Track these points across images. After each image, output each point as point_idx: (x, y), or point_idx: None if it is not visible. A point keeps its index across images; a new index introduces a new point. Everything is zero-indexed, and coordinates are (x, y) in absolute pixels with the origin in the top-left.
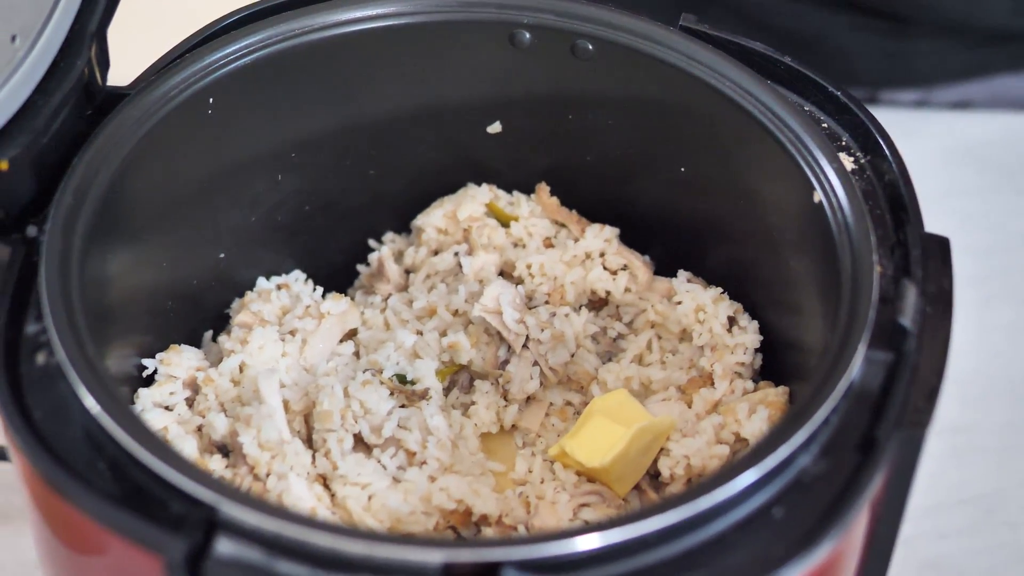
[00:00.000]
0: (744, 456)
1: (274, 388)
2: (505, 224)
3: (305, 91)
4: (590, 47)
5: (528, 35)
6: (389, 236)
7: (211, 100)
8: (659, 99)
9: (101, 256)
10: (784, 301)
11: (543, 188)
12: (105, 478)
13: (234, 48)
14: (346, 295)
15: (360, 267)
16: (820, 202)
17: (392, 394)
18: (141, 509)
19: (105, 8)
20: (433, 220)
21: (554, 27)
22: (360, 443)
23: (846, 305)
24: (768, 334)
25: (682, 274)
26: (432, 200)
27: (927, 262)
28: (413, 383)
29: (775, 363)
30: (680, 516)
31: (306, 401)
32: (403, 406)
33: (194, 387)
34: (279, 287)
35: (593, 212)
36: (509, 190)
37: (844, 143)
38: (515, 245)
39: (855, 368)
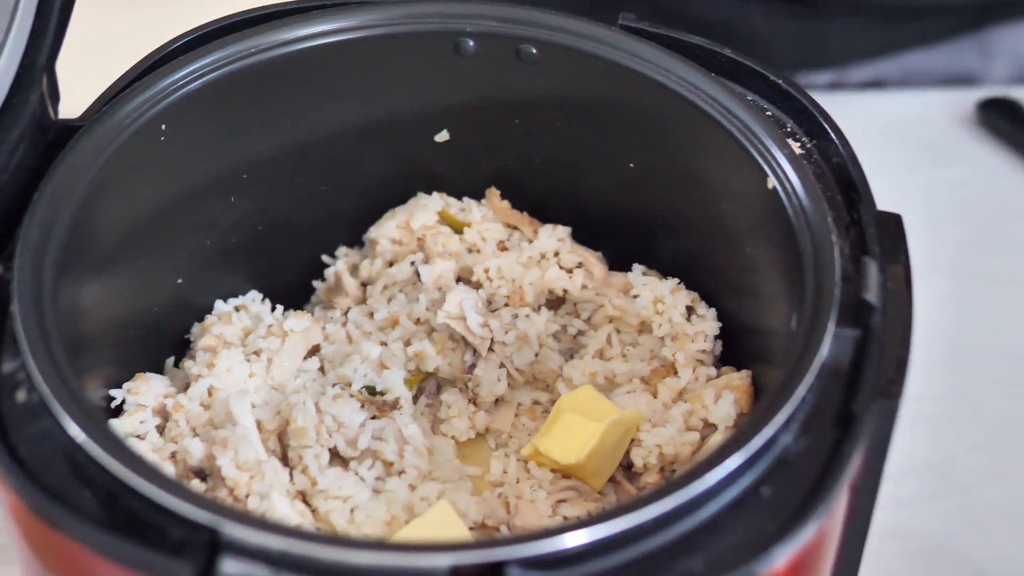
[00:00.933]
0: (730, 439)
1: (246, 409)
2: (458, 231)
3: (254, 112)
4: (534, 51)
5: (472, 43)
6: (343, 250)
7: (163, 127)
8: (605, 97)
9: (70, 290)
10: (741, 287)
11: (493, 192)
12: (99, 509)
13: (183, 73)
14: (304, 311)
15: (316, 283)
16: (774, 188)
17: (363, 406)
18: (142, 537)
19: (53, 41)
20: (386, 231)
21: (498, 33)
22: (336, 457)
23: (811, 286)
24: (726, 320)
25: (637, 267)
26: (383, 212)
27: (883, 239)
28: (383, 394)
29: (734, 348)
30: (677, 501)
31: (278, 420)
32: (374, 417)
33: (164, 414)
34: (237, 309)
35: (544, 212)
36: (459, 197)
37: (790, 129)
38: (470, 251)
39: (826, 346)
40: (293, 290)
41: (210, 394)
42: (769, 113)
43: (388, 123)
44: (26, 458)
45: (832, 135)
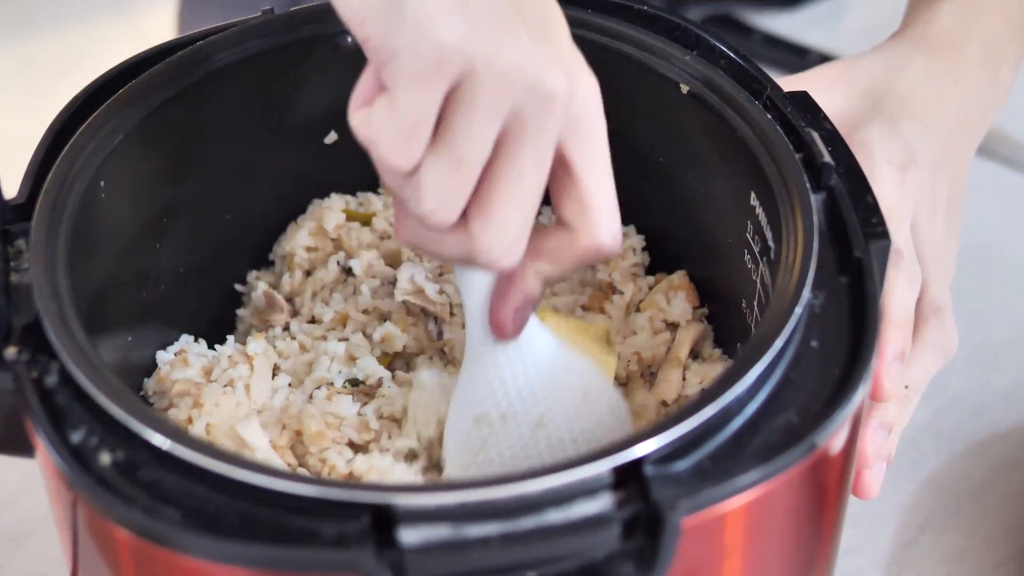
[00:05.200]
0: (773, 309)
1: (258, 432)
2: (366, 223)
3: (170, 153)
4: None
5: (350, 38)
6: (253, 275)
7: (102, 184)
8: None
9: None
10: (659, 199)
11: None
12: (245, 531)
13: (107, 131)
14: (260, 335)
15: (240, 311)
16: (689, 92)
17: (353, 399)
18: (305, 542)
19: None
20: (300, 242)
21: None
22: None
23: (768, 161)
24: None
25: (545, 209)
26: (280, 230)
27: (803, 113)
28: (364, 382)
29: (654, 259)
30: (761, 367)
31: (288, 434)
32: (365, 404)
33: None
34: (177, 354)
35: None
36: (353, 193)
37: (670, 43)
38: (382, 239)
39: (815, 208)
40: (215, 326)
41: (208, 432)
42: None
43: (281, 135)
44: (149, 506)
45: (712, 41)
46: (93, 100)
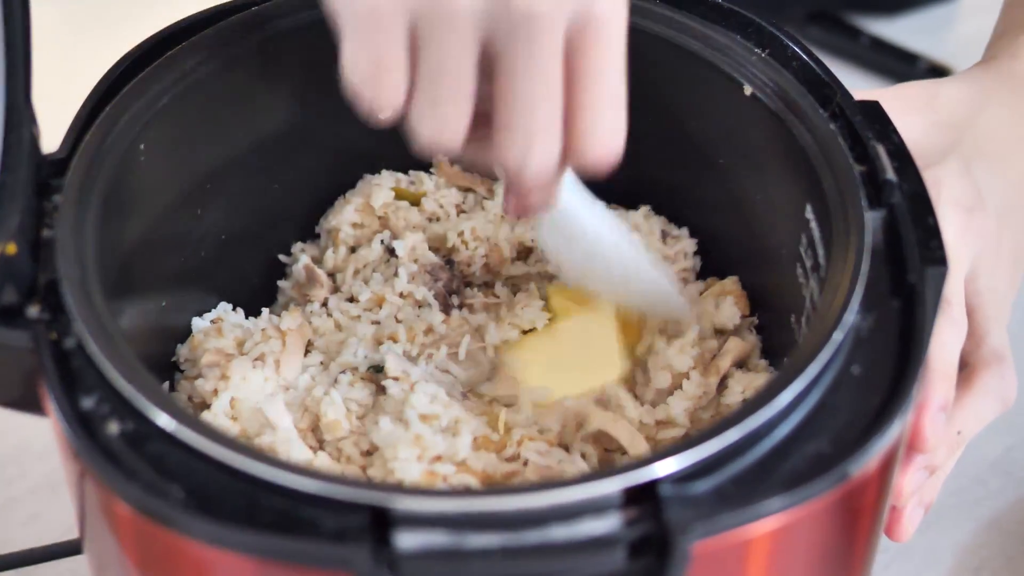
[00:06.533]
0: (814, 331)
1: (282, 410)
2: (415, 203)
3: (212, 120)
4: None
5: None
6: (299, 246)
7: (142, 147)
8: None
9: (117, 317)
10: (714, 200)
11: (442, 161)
12: (247, 516)
13: (152, 93)
14: (296, 309)
15: (281, 283)
16: (753, 94)
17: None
18: (299, 531)
19: (26, 71)
20: (346, 217)
21: None
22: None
23: (827, 173)
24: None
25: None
26: (330, 203)
27: (872, 124)
28: (380, 369)
29: (711, 260)
30: (796, 390)
31: (309, 417)
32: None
33: None
34: (214, 322)
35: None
36: (405, 171)
37: (740, 41)
38: (430, 220)
39: (869, 225)
40: (257, 296)
41: (232, 406)
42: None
43: (333, 107)
44: (152, 482)
45: (786, 40)
46: (145, 60)
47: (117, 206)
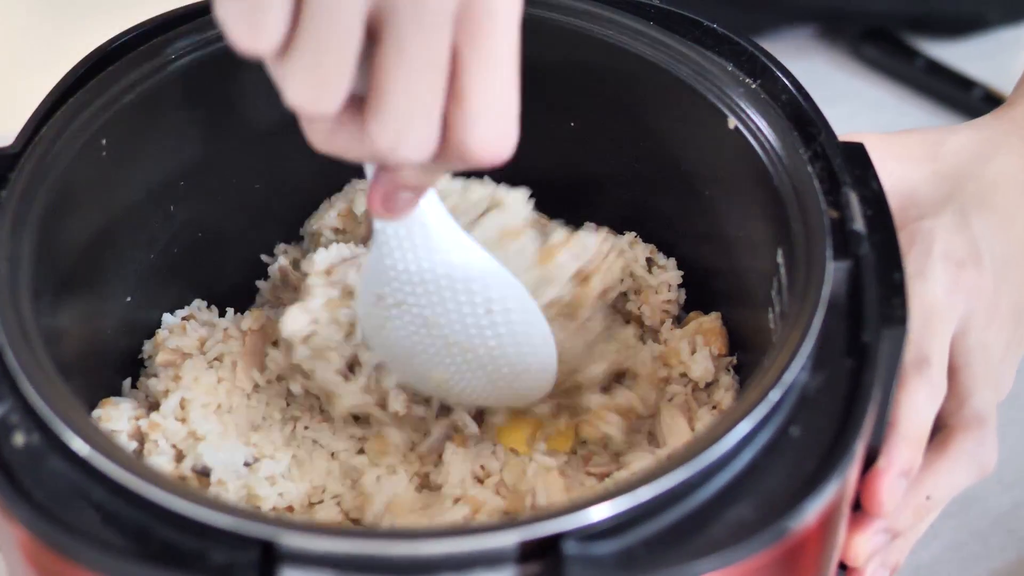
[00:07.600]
0: (753, 386)
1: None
2: None
3: (186, 117)
4: None
5: None
6: (281, 247)
7: (104, 142)
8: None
9: (47, 322)
10: (701, 232)
11: None
12: (132, 543)
13: (118, 87)
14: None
15: (259, 283)
16: (736, 127)
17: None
18: (185, 564)
19: None
20: (328, 221)
21: None
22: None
23: (797, 218)
24: (686, 267)
25: (588, 225)
26: (317, 204)
27: (852, 168)
28: None
29: (698, 294)
30: (720, 450)
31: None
32: None
33: (139, 436)
34: (185, 319)
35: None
36: None
37: (731, 70)
38: None
39: (829, 278)
40: (237, 294)
41: (182, 407)
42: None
43: None
44: (43, 502)
45: (777, 73)
46: (115, 55)
47: (73, 201)
